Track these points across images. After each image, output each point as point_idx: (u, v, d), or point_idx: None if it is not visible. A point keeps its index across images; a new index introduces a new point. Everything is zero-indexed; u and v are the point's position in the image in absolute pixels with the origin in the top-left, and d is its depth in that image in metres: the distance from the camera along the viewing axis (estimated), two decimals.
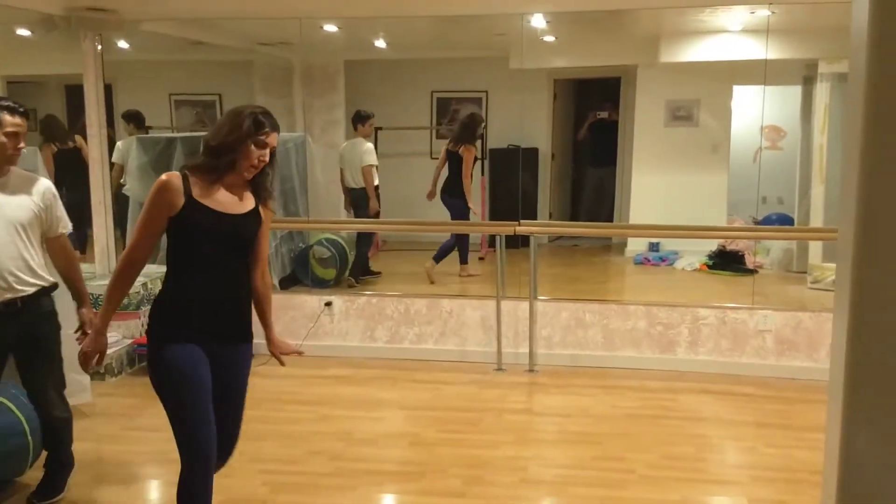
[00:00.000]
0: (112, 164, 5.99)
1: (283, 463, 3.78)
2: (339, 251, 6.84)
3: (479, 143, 7.26)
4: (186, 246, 2.57)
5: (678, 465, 3.75)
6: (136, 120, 6.81)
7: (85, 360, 2.70)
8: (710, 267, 7.52)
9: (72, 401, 3.52)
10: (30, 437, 3.37)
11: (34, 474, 3.48)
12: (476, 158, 6.90)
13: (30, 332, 3.18)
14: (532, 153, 8.25)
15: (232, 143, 2.53)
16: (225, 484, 3.54)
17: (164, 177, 2.54)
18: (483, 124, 7.11)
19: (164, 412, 2.60)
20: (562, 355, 5.25)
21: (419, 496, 3.47)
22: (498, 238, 5.30)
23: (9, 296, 3.08)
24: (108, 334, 2.78)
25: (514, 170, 7.45)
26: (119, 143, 6.39)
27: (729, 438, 4.13)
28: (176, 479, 2.55)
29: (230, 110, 2.64)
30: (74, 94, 5.89)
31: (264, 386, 4.95)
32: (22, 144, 3.11)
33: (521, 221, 5.42)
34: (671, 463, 3.77)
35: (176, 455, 2.67)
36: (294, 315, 5.53)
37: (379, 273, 7.10)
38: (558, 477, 3.65)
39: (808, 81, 7.17)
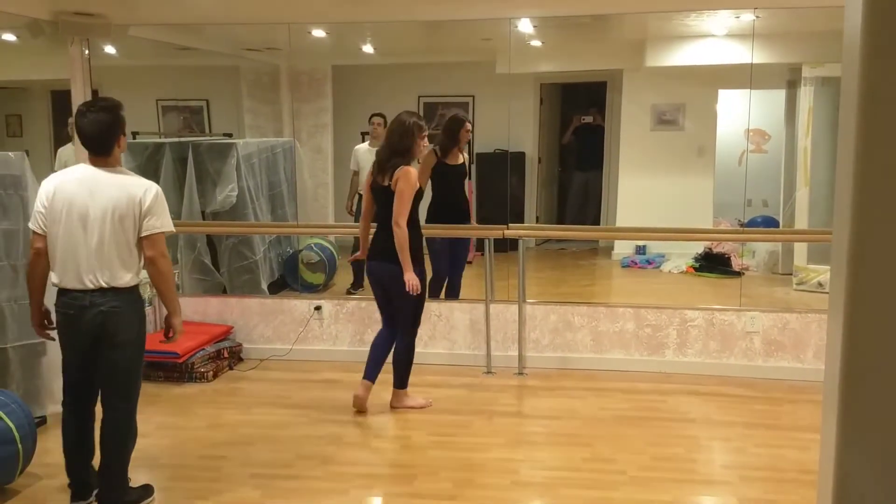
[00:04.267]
0: None
1: (274, 467, 3.77)
2: (327, 256, 6.83)
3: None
4: None
5: (668, 466, 3.77)
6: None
7: None
8: (696, 269, 7.57)
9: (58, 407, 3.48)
10: (20, 445, 3.35)
11: (23, 481, 3.47)
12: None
13: None
14: (519, 157, 8.28)
15: None
16: (216, 488, 3.54)
17: None
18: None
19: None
20: (551, 358, 5.27)
21: (411, 499, 3.47)
22: (486, 242, 5.32)
23: None
24: None
25: (502, 174, 7.47)
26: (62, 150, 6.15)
27: (718, 439, 4.16)
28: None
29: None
30: (60, 100, 5.83)
31: (254, 390, 4.94)
32: None
33: (510, 225, 5.45)
34: (661, 464, 3.80)
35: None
36: (283, 319, 5.52)
37: None
38: (549, 479, 3.66)
39: (792, 85, 7.24)
